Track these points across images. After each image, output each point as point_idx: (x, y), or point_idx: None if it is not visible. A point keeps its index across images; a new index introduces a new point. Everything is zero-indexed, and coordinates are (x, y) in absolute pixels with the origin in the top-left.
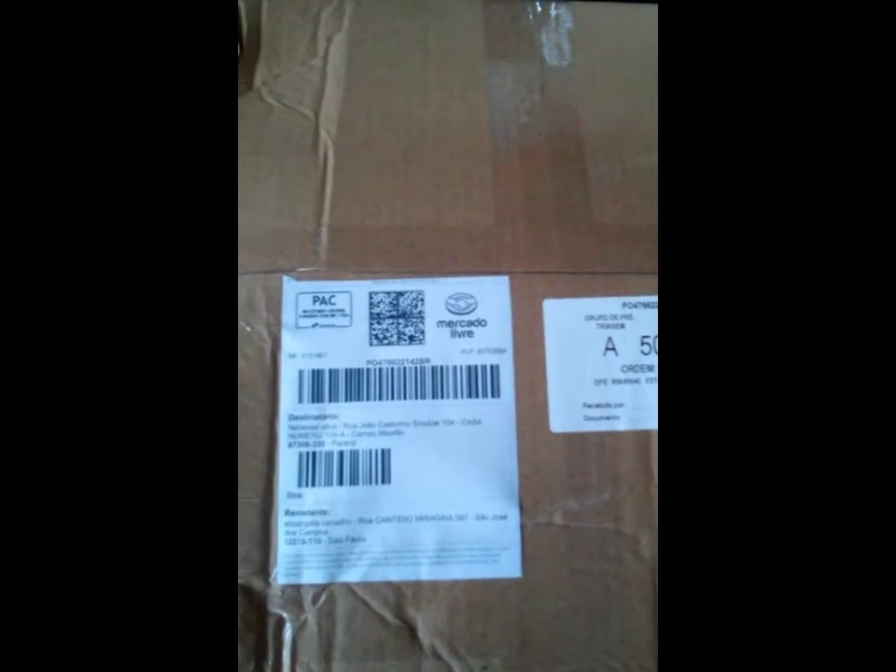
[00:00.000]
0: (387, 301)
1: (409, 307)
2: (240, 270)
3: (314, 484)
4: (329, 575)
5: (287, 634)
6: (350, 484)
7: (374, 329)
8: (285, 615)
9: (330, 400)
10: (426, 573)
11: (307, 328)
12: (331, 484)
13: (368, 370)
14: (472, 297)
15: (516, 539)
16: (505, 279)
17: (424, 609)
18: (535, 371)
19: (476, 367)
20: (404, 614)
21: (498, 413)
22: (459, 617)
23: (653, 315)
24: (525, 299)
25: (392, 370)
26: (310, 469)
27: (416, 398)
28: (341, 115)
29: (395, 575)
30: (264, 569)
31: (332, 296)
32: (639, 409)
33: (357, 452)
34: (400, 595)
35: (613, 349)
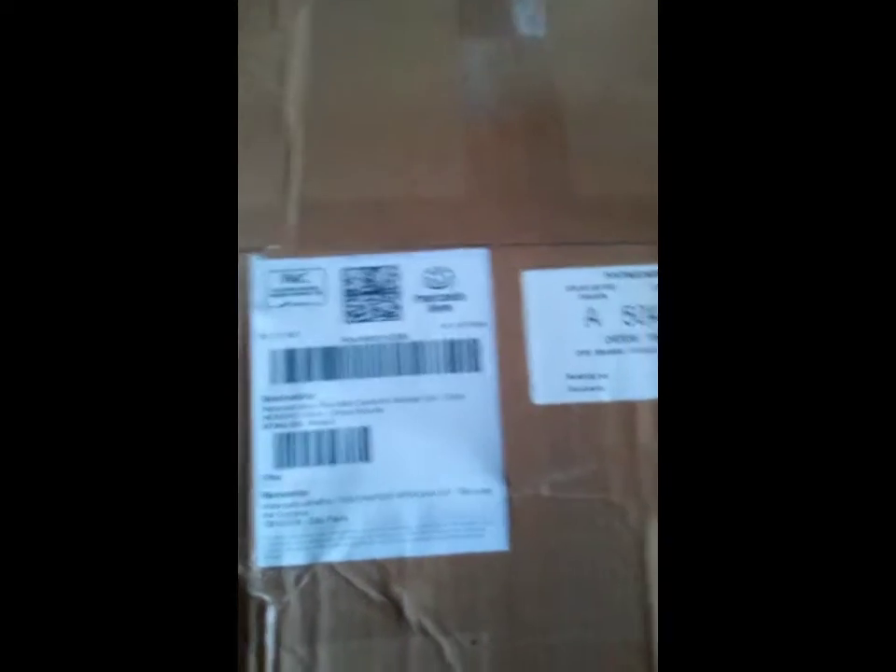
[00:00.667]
0: (361, 276)
1: (384, 282)
2: None
3: (292, 465)
4: (310, 556)
5: (270, 617)
6: (329, 464)
7: (349, 307)
8: (266, 598)
9: (306, 380)
10: (410, 549)
11: (276, 307)
12: (310, 465)
13: (343, 347)
14: (450, 270)
15: (501, 513)
16: (483, 251)
17: (409, 585)
18: (516, 344)
19: (456, 341)
20: (389, 591)
21: (480, 386)
22: (445, 592)
23: (636, 284)
24: (504, 271)
25: (369, 346)
26: (287, 451)
27: (396, 374)
28: (309, 88)
29: (378, 553)
30: (244, 553)
31: (304, 273)
32: (624, 379)
33: (336, 431)
34: (385, 573)
35: (596, 320)
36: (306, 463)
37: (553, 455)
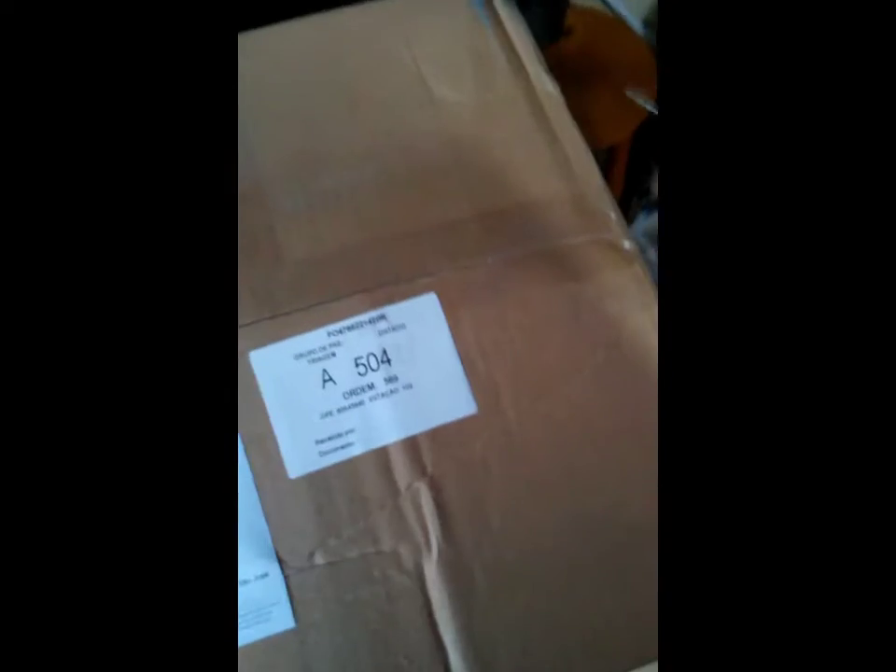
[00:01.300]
0: None
1: None
2: None
3: None
4: None
5: None
6: None
7: None
8: None
9: None
10: None
11: None
12: None
13: None
14: None
15: (283, 592)
16: None
17: None
18: (259, 424)
19: None
20: None
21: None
22: None
23: (360, 334)
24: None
25: None
26: None
27: None
28: None
29: None
30: None
31: None
32: (370, 429)
33: None
34: None
35: (331, 379)
36: None
37: (319, 522)
